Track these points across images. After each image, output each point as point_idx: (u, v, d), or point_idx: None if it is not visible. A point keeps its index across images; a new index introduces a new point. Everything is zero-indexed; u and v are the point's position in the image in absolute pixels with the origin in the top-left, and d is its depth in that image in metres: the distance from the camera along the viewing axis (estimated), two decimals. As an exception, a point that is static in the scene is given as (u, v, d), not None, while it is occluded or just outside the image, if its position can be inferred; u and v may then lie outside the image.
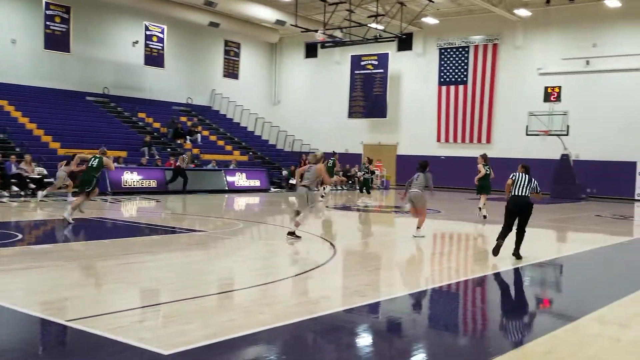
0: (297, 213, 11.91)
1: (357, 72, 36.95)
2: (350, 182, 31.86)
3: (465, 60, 33.94)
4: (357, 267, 9.30)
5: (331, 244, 11.39)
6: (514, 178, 10.41)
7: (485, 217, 16.42)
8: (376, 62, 36.26)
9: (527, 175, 10.40)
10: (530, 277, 9.43)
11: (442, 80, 34.68)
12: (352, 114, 37.30)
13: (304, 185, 11.74)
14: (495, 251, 10.22)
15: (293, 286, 7.84)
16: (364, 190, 27.74)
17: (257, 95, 40.02)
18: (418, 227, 12.94)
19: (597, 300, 7.49)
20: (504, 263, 10.24)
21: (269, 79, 41.07)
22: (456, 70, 34.29)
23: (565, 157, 29.29)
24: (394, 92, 36.27)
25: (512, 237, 10.53)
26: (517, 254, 10.46)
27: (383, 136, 37.14)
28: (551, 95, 29.36)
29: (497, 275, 9.15)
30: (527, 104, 30.88)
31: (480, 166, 17.44)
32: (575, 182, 28.92)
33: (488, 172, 17.64)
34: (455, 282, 8.56)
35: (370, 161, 26.40)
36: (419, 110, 35.60)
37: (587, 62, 30.72)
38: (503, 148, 32.71)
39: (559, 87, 29.27)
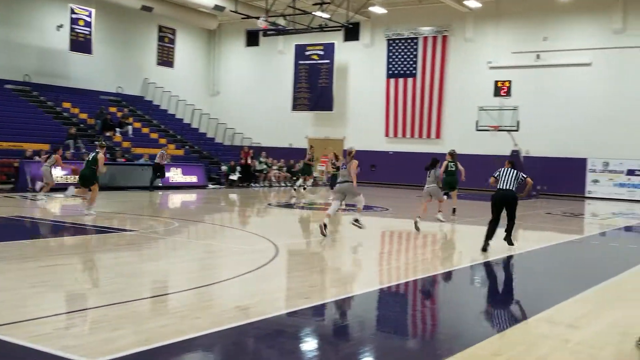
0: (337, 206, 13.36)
1: (301, 62, 36.95)
2: (294, 178, 31.87)
3: (414, 52, 34.43)
4: (302, 268, 9.29)
5: (273, 243, 11.35)
6: (497, 175, 11.82)
7: (441, 221, 16.54)
8: (322, 52, 36.36)
9: (513, 170, 11.75)
10: (480, 277, 9.64)
11: (390, 72, 35.07)
12: (296, 107, 37.30)
13: (345, 181, 13.23)
14: (484, 249, 11.47)
15: (232, 289, 7.76)
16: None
17: (194, 85, 39.52)
18: (440, 211, 16.45)
19: (546, 300, 7.72)
20: (452, 262, 10.44)
21: (207, 68, 40.62)
22: (405, 63, 34.76)
23: (515, 153, 30.10)
24: (341, 84, 36.46)
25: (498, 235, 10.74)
26: (509, 240, 11.91)
27: (329, 130, 37.28)
28: (501, 89, 30.15)
29: (445, 275, 9.32)
30: (478, 99, 31.60)
31: (445, 163, 18.81)
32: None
33: (453, 169, 19.17)
34: (403, 283, 8.66)
35: (337, 157, 25.79)
36: (367, 104, 35.91)
37: (538, 56, 31.66)
38: (453, 144, 33.28)
39: (509, 82, 30.07)
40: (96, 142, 19.55)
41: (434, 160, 16.02)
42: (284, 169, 31.66)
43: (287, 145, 38.06)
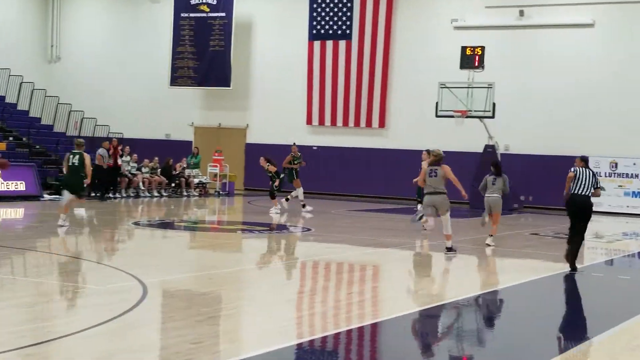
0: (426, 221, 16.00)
1: (184, 15, 36.68)
2: (174, 184, 31.51)
3: (349, 5, 34.76)
4: (180, 316, 9.20)
5: (140, 281, 11.17)
6: (575, 172, 13.49)
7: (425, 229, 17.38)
8: (214, 2, 36.18)
9: (589, 171, 13.41)
10: (442, 324, 9.77)
11: (315, 33, 35.27)
12: (176, 81, 36.99)
13: (438, 192, 15.59)
14: (568, 258, 13.67)
15: (76, 349, 7.63)
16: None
17: (22, 47, 38.52)
18: (491, 235, 17.92)
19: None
20: (402, 305, 10.54)
21: (43, 22, 39.69)
22: (335, 20, 35.03)
23: (490, 150, 30.76)
24: (243, 49, 36.38)
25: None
26: (573, 265, 13.86)
27: (225, 115, 37.15)
28: (471, 59, 30.71)
29: (394, 322, 9.40)
30: (438, 72, 32.13)
31: (424, 164, 18.90)
32: (504, 187, 30.48)
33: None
34: (332, 334, 8.71)
35: (269, 161, 25.63)
36: (281, 77, 35.96)
37: (521, 13, 32.58)
38: (402, 135, 33.83)
39: (482, 48, 30.73)
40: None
41: (498, 163, 18.66)
42: (158, 171, 31.28)
43: (162, 137, 37.71)
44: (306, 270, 14.22)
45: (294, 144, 28.19)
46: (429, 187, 15.73)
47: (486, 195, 17.96)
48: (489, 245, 17.72)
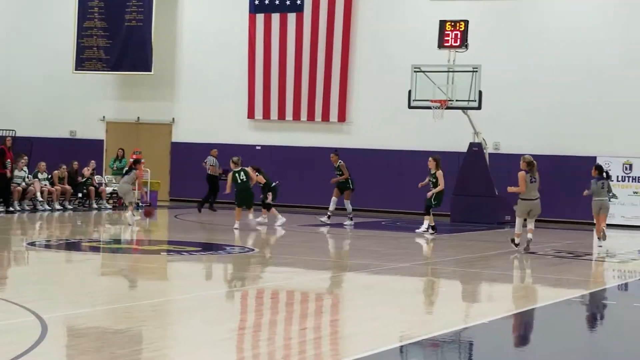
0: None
1: (93, -18, 36.51)
2: (80, 194, 31.19)
3: (300, -32, 34.84)
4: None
5: (38, 316, 11.05)
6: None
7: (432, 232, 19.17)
8: (131, -35, 36.06)
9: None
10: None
11: (257, 3, 35.29)
12: (82, 64, 36.82)
13: (538, 198, 20.87)
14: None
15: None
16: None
17: None
18: (601, 238, 23.40)
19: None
20: (367, 343, 10.54)
21: None
22: (283, -13, 35.11)
23: (476, 149, 30.90)
24: (167, 25, 36.34)
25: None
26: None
27: (145, 107, 37.04)
28: (451, 37, 30.84)
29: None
30: (411, 52, 32.29)
31: (439, 173, 24.94)
32: (493, 194, 30.62)
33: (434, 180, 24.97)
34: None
35: (258, 170, 26.57)
36: (215, 60, 35.95)
37: (513, -21, 32.88)
38: (367, 132, 33.85)
39: (465, 23, 30.89)
40: None
41: (602, 167, 24.24)
42: (65, 179, 30.93)
43: (66, 134, 37.63)
44: (247, 300, 14.15)
45: (336, 151, 28.46)
46: (533, 194, 20.71)
47: (597, 199, 23.25)
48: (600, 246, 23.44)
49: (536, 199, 20.71)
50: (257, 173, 26.17)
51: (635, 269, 20.80)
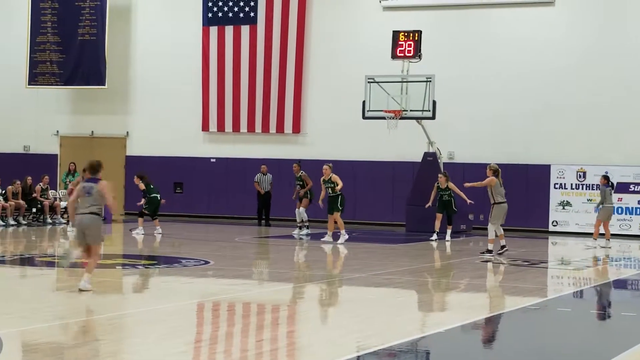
0: None
1: (45, -5, 36.32)
2: (34, 209, 30.97)
3: (253, -20, 34.86)
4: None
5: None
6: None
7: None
8: (82, -21, 35.92)
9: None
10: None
11: (210, 16, 35.28)
12: (35, 79, 36.61)
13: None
14: None
15: None
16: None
17: None
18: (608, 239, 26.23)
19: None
20: (323, 354, 10.55)
21: None
22: (236, 0, 35.05)
23: (430, 158, 31.01)
24: (120, 38, 36.21)
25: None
26: None
27: (99, 121, 36.84)
28: (404, 47, 30.95)
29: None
30: (364, 64, 32.41)
31: (451, 184, 27.27)
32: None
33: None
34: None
35: (141, 177, 26.99)
36: (169, 73, 35.85)
37: (465, -10, 33.09)
38: (322, 142, 33.88)
39: (418, 33, 31.02)
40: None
41: (608, 176, 27.13)
42: (18, 194, 30.71)
43: (19, 149, 37.30)
44: (204, 313, 14.11)
45: (299, 162, 28.76)
46: (502, 198, 22.48)
47: (607, 205, 26.60)
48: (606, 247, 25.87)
49: (505, 202, 22.76)
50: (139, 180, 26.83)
51: (590, 276, 20.97)
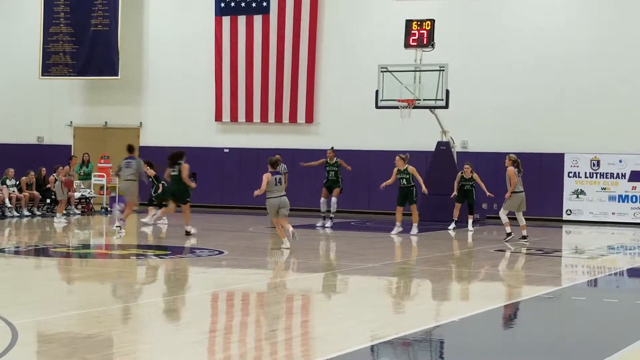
0: None
1: (57, -13, 36.33)
2: (49, 200, 31.02)
3: (265, -29, 34.82)
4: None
5: (8, 323, 11.01)
6: None
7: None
8: (95, -30, 35.93)
9: None
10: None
11: (223, 6, 35.23)
12: (49, 70, 36.64)
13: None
14: None
15: None
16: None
17: None
18: None
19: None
20: (338, 344, 10.57)
21: None
22: (249, -11, 35.09)
23: (444, 148, 30.99)
24: (133, 29, 36.21)
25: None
26: None
27: (113, 112, 36.90)
28: (417, 36, 30.88)
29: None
30: (378, 53, 32.35)
31: (475, 175, 27.40)
32: (462, 193, 30.71)
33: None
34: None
35: (150, 164, 26.87)
36: (182, 64, 35.86)
37: (478, -22, 33.01)
38: (335, 132, 33.81)
39: (431, 22, 30.95)
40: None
41: None
42: (32, 185, 30.77)
43: (34, 140, 37.40)
44: (218, 303, 14.14)
45: (332, 148, 27.94)
46: (518, 187, 23.29)
47: None
48: None
49: (522, 191, 23.71)
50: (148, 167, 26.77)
51: (604, 264, 20.94)
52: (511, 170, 23.16)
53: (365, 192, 32.32)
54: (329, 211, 27.24)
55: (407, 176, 25.39)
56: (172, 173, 23.96)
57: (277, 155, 21.79)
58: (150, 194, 27.24)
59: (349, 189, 30.87)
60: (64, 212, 29.18)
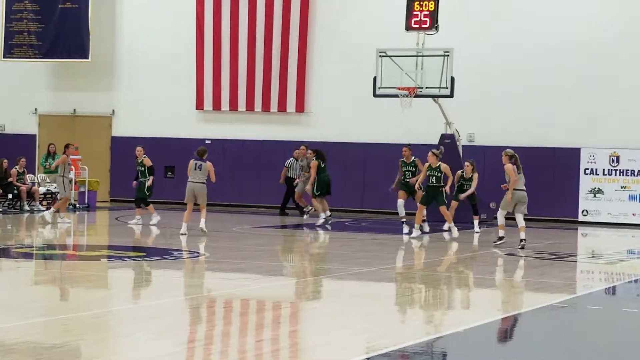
0: None
1: (22, -41, 36.34)
2: (10, 195, 31.03)
3: (252, -57, 34.85)
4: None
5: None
6: None
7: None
8: (64, -59, 35.93)
9: None
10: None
11: (204, -16, 35.27)
12: (12, 51, 36.70)
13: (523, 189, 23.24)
14: None
15: None
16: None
17: None
18: None
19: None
20: (329, 356, 10.58)
21: None
22: (233, -33, 35.12)
23: (448, 141, 30.97)
24: (105, 7, 36.31)
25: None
26: None
27: (82, 98, 36.93)
28: (419, 18, 30.88)
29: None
30: (376, 36, 32.38)
31: (475, 175, 26.87)
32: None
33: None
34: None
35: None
36: (159, 46, 35.89)
37: (487, -46, 33.07)
38: (328, 123, 33.87)
39: (435, 2, 30.96)
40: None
41: None
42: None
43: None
44: (198, 310, 14.13)
45: (409, 145, 27.71)
46: (518, 185, 22.64)
47: None
48: None
49: (524, 189, 22.96)
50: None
51: (623, 271, 20.96)
52: (509, 167, 22.77)
53: (359, 189, 32.33)
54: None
55: (439, 174, 25.13)
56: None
57: (203, 147, 26.31)
58: (144, 192, 26.94)
59: (341, 185, 30.88)
60: (28, 207, 29.20)
